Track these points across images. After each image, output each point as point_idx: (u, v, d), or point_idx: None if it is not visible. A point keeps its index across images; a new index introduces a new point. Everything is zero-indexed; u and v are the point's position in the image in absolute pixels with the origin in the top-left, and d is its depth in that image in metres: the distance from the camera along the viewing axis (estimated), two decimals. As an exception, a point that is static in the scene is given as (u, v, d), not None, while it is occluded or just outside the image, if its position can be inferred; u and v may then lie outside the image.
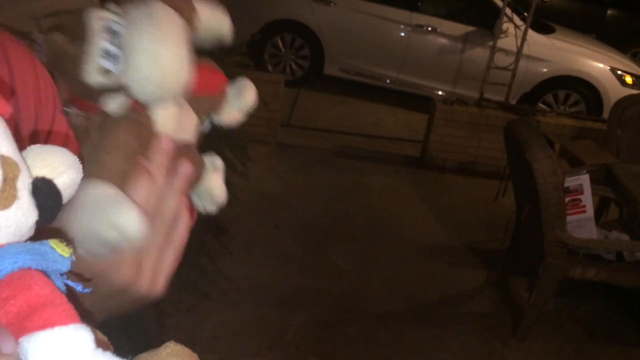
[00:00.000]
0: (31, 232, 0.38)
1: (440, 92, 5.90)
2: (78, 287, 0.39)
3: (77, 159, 0.43)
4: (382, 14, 5.95)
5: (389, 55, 6.04)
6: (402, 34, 5.98)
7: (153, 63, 0.44)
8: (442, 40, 5.93)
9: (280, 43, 6.15)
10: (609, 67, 5.75)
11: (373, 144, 5.21)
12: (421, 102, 5.83)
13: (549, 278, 2.73)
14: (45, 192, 0.39)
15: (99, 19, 0.45)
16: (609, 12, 8.17)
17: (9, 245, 0.36)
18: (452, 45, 5.91)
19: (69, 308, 0.34)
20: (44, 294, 0.34)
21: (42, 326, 0.32)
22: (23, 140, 0.60)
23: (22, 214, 0.37)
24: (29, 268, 0.35)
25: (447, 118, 4.77)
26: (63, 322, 0.33)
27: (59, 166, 0.42)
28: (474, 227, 4.00)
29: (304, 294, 3.06)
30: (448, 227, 3.95)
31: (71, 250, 0.39)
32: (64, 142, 0.64)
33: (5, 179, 0.35)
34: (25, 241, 0.37)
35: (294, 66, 6.21)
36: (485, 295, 3.30)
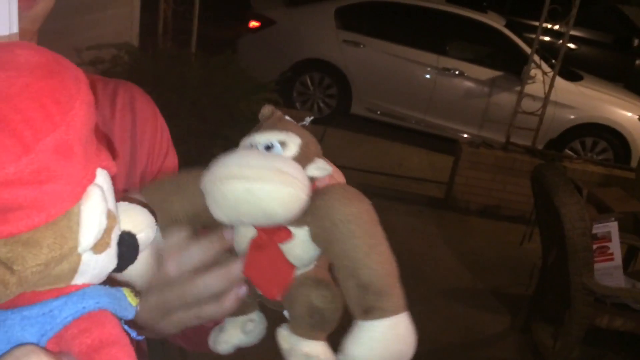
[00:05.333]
0: (104, 278, 0.42)
1: (465, 135, 5.93)
2: (133, 333, 0.43)
3: (154, 221, 0.48)
4: (409, 56, 6.04)
5: (415, 97, 6.11)
6: (429, 77, 6.05)
7: None
8: (469, 84, 5.99)
9: (309, 81, 6.27)
10: (637, 116, 5.73)
11: (397, 184, 5.22)
12: (445, 143, 5.86)
13: (575, 326, 2.68)
14: (127, 244, 0.44)
15: None
16: (638, 61, 8.18)
17: (94, 286, 0.41)
18: (478, 89, 5.96)
19: (132, 351, 0.38)
20: (115, 334, 0.38)
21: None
22: (134, 178, 0.71)
23: (108, 260, 0.42)
24: (106, 309, 0.40)
25: (473, 160, 4.78)
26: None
27: (140, 224, 0.47)
28: (498, 270, 3.95)
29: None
30: (472, 270, 3.91)
31: (138, 300, 0.44)
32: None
33: (106, 229, 0.40)
34: (102, 284, 0.42)
35: (321, 104, 6.31)
36: (508, 340, 3.24)
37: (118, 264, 0.43)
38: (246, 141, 0.55)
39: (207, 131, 3.68)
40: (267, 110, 0.55)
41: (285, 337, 0.58)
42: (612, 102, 5.84)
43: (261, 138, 0.53)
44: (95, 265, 0.40)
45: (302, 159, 0.54)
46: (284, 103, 4.96)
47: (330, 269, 0.56)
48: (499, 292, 3.68)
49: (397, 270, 0.53)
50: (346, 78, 6.18)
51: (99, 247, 0.40)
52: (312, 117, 0.59)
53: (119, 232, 0.43)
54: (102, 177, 0.41)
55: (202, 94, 3.79)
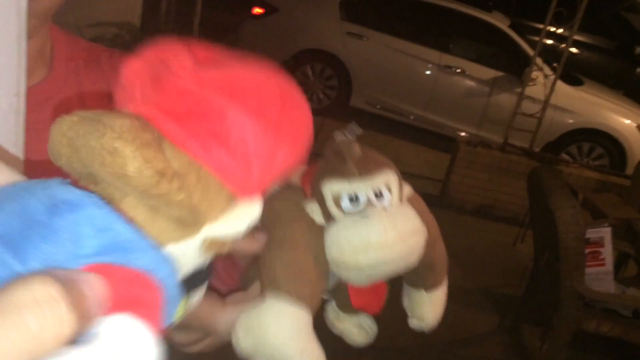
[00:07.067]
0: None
1: (463, 134, 5.92)
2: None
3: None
4: (412, 52, 6.03)
5: (416, 93, 6.09)
6: (431, 73, 6.04)
7: None
8: (470, 83, 5.98)
9: (310, 72, 6.25)
10: (635, 124, 5.74)
11: (393, 179, 5.22)
12: (443, 141, 5.85)
13: (563, 329, 2.69)
14: (199, 278, 0.40)
15: None
16: (639, 69, 8.18)
17: (176, 265, 0.35)
18: (479, 89, 5.95)
19: (162, 330, 0.33)
20: (158, 307, 0.32)
21: (136, 314, 0.30)
22: None
23: (193, 264, 0.38)
24: (164, 293, 0.33)
25: (470, 159, 4.78)
26: (154, 324, 0.31)
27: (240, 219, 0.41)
28: (489, 270, 3.96)
29: (314, 324, 3.04)
30: (463, 269, 3.92)
31: (184, 312, 0.39)
32: None
33: (222, 243, 0.37)
34: None
35: (321, 95, 6.29)
36: (496, 340, 3.25)
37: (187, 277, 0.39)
38: (341, 187, 0.50)
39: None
40: (356, 148, 0.52)
41: (336, 315, 0.65)
42: (611, 108, 5.85)
43: (369, 187, 0.50)
44: (184, 256, 0.36)
45: (402, 193, 0.54)
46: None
47: None
48: (489, 292, 3.70)
49: None
50: (347, 70, 6.16)
51: (209, 246, 0.37)
52: (360, 130, 0.58)
53: (210, 260, 0.39)
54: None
55: (202, 78, 3.76)
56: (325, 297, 0.64)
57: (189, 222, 0.35)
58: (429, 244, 0.56)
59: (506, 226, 4.57)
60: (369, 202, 0.50)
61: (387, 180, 0.51)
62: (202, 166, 0.35)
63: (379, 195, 0.50)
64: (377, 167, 0.51)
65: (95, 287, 0.29)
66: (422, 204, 0.58)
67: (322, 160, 0.53)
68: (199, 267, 0.39)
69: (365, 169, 0.51)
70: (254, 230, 0.52)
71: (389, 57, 6.05)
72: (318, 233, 0.51)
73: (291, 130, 0.38)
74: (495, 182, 4.80)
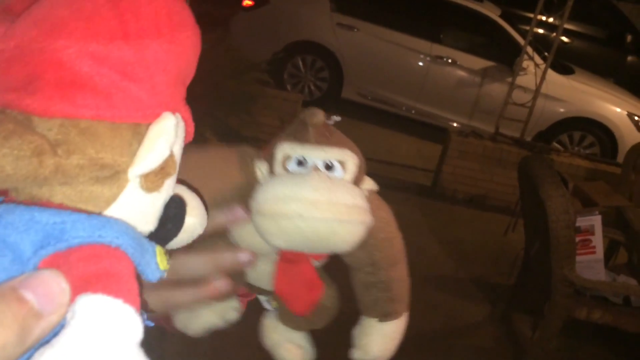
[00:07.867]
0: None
1: (455, 124, 5.93)
2: (143, 316, 0.38)
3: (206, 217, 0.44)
4: (403, 43, 6.01)
5: (407, 84, 6.09)
6: (422, 64, 6.03)
7: None
8: (461, 73, 5.98)
9: (300, 63, 6.22)
10: (626, 112, 5.76)
11: (385, 170, 5.22)
12: (435, 132, 5.85)
13: (554, 317, 2.71)
14: (175, 209, 0.40)
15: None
16: (629, 58, 8.20)
17: (122, 221, 0.35)
18: (470, 79, 5.95)
19: (137, 296, 0.33)
20: (126, 275, 0.33)
21: (107, 292, 0.31)
22: None
23: (148, 213, 0.37)
24: (124, 251, 0.34)
25: (461, 150, 4.79)
26: (127, 299, 0.31)
27: (195, 209, 0.42)
28: (481, 260, 3.98)
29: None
30: (455, 258, 3.93)
31: (168, 266, 0.38)
32: None
33: (162, 169, 0.37)
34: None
35: (312, 87, 6.28)
36: (487, 329, 3.27)
37: (156, 231, 0.38)
38: (292, 149, 0.48)
39: (195, 109, 3.64)
40: (320, 117, 0.49)
41: (273, 326, 0.60)
42: (602, 97, 5.87)
43: (320, 155, 0.48)
44: (135, 204, 0.36)
45: (358, 179, 0.51)
46: (275, 84, 4.92)
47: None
48: (480, 281, 3.71)
49: None
50: (338, 62, 6.14)
51: (149, 182, 0.36)
52: (339, 118, 0.54)
53: (172, 193, 0.39)
54: (180, 124, 0.38)
55: (191, 71, 3.74)
56: (268, 306, 0.61)
57: (108, 175, 0.35)
58: (389, 262, 0.53)
59: (497, 215, 4.59)
60: (315, 168, 0.48)
61: (343, 159, 0.48)
62: (78, 119, 0.33)
63: (330, 167, 0.48)
64: (337, 143, 0.49)
65: (49, 281, 0.30)
66: (390, 218, 0.54)
67: (286, 127, 0.52)
68: (162, 208, 0.38)
69: (323, 139, 0.49)
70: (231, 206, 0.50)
71: (380, 48, 6.03)
72: (248, 186, 0.49)
73: (145, 21, 0.34)
74: (487, 172, 4.81)
